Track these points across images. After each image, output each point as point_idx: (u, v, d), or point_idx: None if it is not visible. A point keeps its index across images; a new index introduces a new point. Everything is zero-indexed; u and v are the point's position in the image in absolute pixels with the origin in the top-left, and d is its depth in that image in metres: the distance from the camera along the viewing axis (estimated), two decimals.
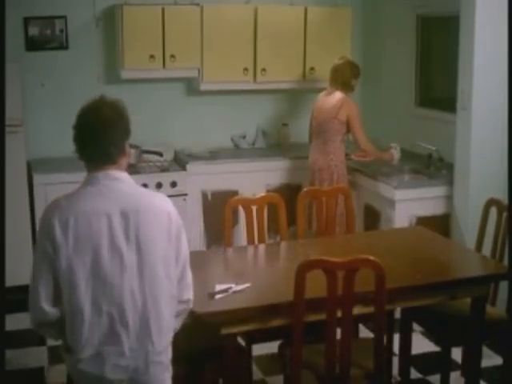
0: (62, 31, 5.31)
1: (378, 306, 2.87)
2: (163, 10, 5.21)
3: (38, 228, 2.31)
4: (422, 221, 4.64)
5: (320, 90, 5.16)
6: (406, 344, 3.84)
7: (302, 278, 2.76)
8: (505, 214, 3.70)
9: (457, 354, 3.95)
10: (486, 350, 4.01)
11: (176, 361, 3.08)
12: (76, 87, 5.24)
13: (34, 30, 5.24)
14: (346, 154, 5.03)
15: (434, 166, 5.07)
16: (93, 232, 2.20)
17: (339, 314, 2.85)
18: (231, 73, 5.48)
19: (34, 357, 4.20)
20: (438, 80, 5.61)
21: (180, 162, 5.43)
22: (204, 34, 5.34)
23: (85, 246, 2.19)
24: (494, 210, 3.82)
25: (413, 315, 3.71)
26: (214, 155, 5.53)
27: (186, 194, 5.23)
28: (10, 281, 3.39)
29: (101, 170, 2.30)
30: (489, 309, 3.49)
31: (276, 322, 2.97)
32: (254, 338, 3.49)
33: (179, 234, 2.35)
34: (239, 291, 2.99)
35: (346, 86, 4.93)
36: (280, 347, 3.27)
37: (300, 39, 5.60)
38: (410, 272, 3.32)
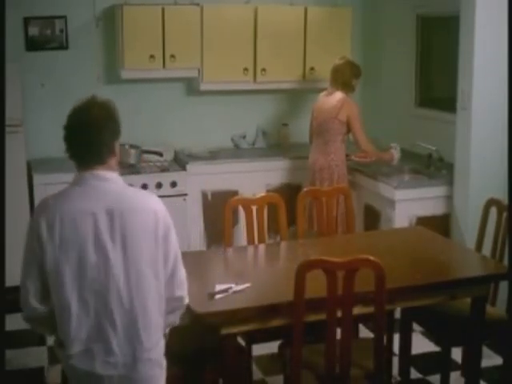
0: (62, 31, 5.31)
1: (377, 306, 2.87)
2: (163, 10, 5.21)
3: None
4: (422, 221, 4.65)
5: (320, 90, 5.16)
6: (406, 344, 3.84)
7: (302, 278, 2.76)
8: (505, 214, 3.70)
9: (457, 354, 3.95)
10: (486, 350, 4.01)
11: (176, 361, 3.08)
12: (76, 87, 5.24)
13: (33, 30, 5.24)
14: (347, 155, 5.03)
15: (433, 166, 5.07)
16: (78, 231, 2.23)
17: (339, 314, 2.85)
18: (231, 73, 5.48)
19: (34, 357, 4.20)
20: (437, 80, 5.61)
21: (180, 162, 5.43)
22: (204, 34, 5.34)
23: (70, 245, 2.22)
24: (494, 210, 3.82)
25: (413, 315, 3.71)
26: (213, 155, 5.53)
27: (185, 194, 5.23)
28: (10, 281, 3.38)
29: (90, 170, 2.32)
30: (489, 309, 3.49)
31: (276, 322, 2.97)
32: (254, 338, 3.49)
33: (167, 233, 2.35)
34: (239, 291, 2.99)
35: (346, 86, 4.93)
36: (280, 347, 3.27)
37: (300, 39, 5.60)
38: (410, 272, 3.32)
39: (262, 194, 4.18)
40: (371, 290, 2.85)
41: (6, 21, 3.68)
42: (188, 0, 5.42)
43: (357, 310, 2.95)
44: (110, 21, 5.40)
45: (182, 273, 2.44)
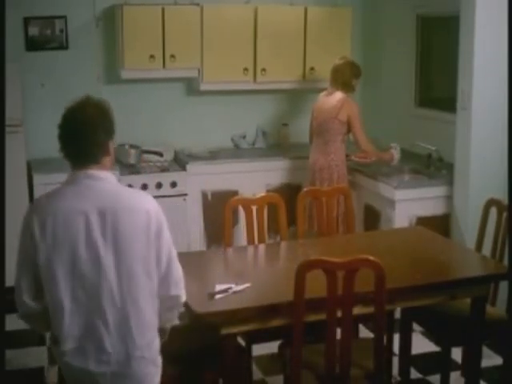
0: (62, 31, 5.31)
1: (377, 306, 2.87)
2: (163, 10, 5.21)
3: None
4: (422, 221, 4.64)
5: (320, 90, 5.16)
6: (406, 344, 3.84)
7: (302, 277, 2.76)
8: (505, 214, 3.70)
9: (457, 354, 3.95)
10: (486, 350, 4.01)
11: (175, 361, 3.09)
12: (76, 87, 5.23)
13: (33, 30, 5.24)
14: (347, 155, 5.03)
15: (433, 166, 5.07)
16: (70, 231, 2.25)
17: (339, 314, 2.85)
18: (231, 73, 5.48)
19: (34, 357, 4.20)
20: (438, 80, 5.61)
21: (180, 162, 5.43)
22: (204, 34, 5.34)
23: (62, 244, 2.24)
24: (494, 210, 3.82)
25: (413, 315, 3.71)
26: (213, 155, 5.53)
27: (186, 194, 5.24)
28: (10, 281, 3.38)
29: (83, 169, 2.33)
30: (489, 309, 3.49)
31: (276, 322, 2.97)
32: (254, 338, 3.49)
33: (159, 233, 2.35)
34: (239, 291, 2.99)
35: (346, 86, 4.93)
36: (280, 347, 3.27)
37: (300, 39, 5.60)
38: (410, 272, 3.33)
39: (262, 194, 4.18)
40: (371, 290, 2.85)
41: (6, 21, 3.68)
42: (188, 0, 5.42)
43: (357, 310, 2.95)
44: (110, 21, 5.40)
45: (178, 272, 2.44)
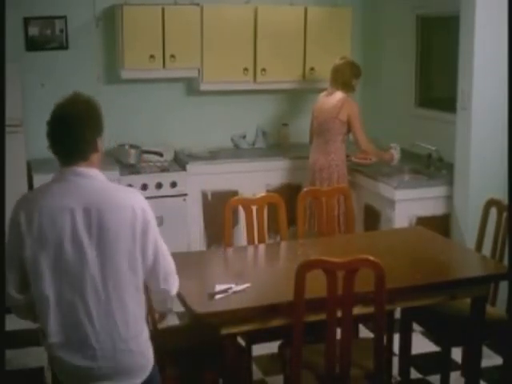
0: (62, 31, 5.31)
1: (377, 306, 2.87)
2: (163, 10, 5.21)
3: None
4: (422, 221, 4.65)
5: (320, 90, 5.16)
6: (406, 344, 3.84)
7: (302, 277, 2.76)
8: (505, 214, 3.70)
9: (457, 354, 3.95)
10: (486, 350, 4.01)
11: (175, 361, 3.09)
12: (76, 87, 5.11)
13: (33, 30, 5.24)
14: (347, 156, 5.03)
15: (433, 166, 5.07)
16: (56, 227, 2.26)
17: (339, 314, 2.85)
18: (231, 73, 5.48)
19: (34, 357, 4.20)
20: (438, 80, 5.61)
21: (180, 162, 5.43)
22: (204, 34, 5.34)
23: (48, 240, 2.26)
24: (494, 210, 3.82)
25: (413, 315, 3.71)
26: (214, 155, 5.53)
27: (185, 194, 5.23)
28: None
29: (71, 166, 2.35)
30: (489, 309, 3.49)
31: (276, 322, 2.97)
32: (254, 338, 3.49)
33: (146, 230, 2.35)
34: (239, 291, 2.99)
35: (346, 86, 4.93)
36: (280, 347, 3.27)
37: (300, 39, 5.60)
38: (410, 272, 3.33)
39: (262, 194, 4.18)
40: (371, 290, 2.84)
41: (6, 21, 3.67)
42: (188, 0, 5.42)
43: (357, 310, 2.95)
44: (110, 21, 5.40)
45: (167, 267, 2.46)
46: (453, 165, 4.71)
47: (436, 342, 4.24)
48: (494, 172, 4.46)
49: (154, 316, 2.96)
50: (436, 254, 3.62)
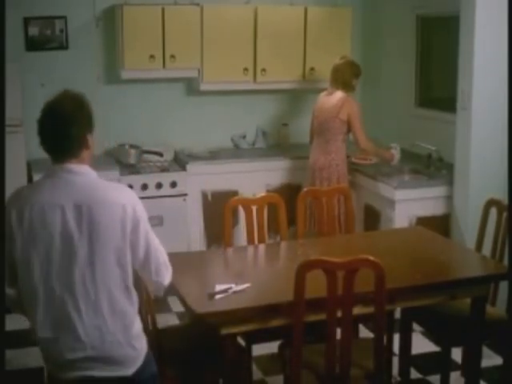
0: (62, 31, 5.31)
1: (377, 306, 2.87)
2: (163, 10, 5.21)
3: None
4: (422, 221, 4.65)
5: (320, 90, 5.16)
6: (406, 344, 3.84)
7: (302, 278, 2.76)
8: (505, 214, 3.70)
9: (457, 354, 3.95)
10: (486, 350, 4.01)
11: (175, 361, 3.09)
12: (76, 87, 5.14)
13: (33, 30, 5.24)
14: (347, 156, 5.03)
15: (433, 166, 5.07)
16: (46, 223, 2.28)
17: (339, 314, 2.85)
18: (231, 73, 5.47)
19: (34, 357, 4.19)
20: (438, 80, 5.61)
21: (180, 162, 5.43)
22: (204, 34, 5.34)
23: (38, 236, 2.28)
24: (494, 210, 3.82)
25: (413, 315, 3.71)
26: (213, 155, 5.52)
27: (185, 194, 5.23)
28: None
29: (62, 163, 2.37)
30: (489, 309, 3.49)
31: (276, 322, 2.97)
32: (254, 338, 3.49)
33: (136, 226, 2.36)
34: (239, 291, 2.99)
35: (346, 86, 4.93)
36: (280, 347, 3.27)
37: (300, 39, 5.60)
38: (410, 272, 3.33)
39: (262, 194, 4.18)
40: (371, 290, 2.84)
41: (6, 21, 3.67)
42: (188, 0, 5.42)
43: (357, 310, 2.95)
44: (110, 21, 5.40)
45: (158, 259, 2.47)
46: (453, 165, 4.71)
47: (436, 342, 4.24)
48: (494, 172, 4.46)
49: (152, 313, 2.97)
50: (436, 253, 3.62)
